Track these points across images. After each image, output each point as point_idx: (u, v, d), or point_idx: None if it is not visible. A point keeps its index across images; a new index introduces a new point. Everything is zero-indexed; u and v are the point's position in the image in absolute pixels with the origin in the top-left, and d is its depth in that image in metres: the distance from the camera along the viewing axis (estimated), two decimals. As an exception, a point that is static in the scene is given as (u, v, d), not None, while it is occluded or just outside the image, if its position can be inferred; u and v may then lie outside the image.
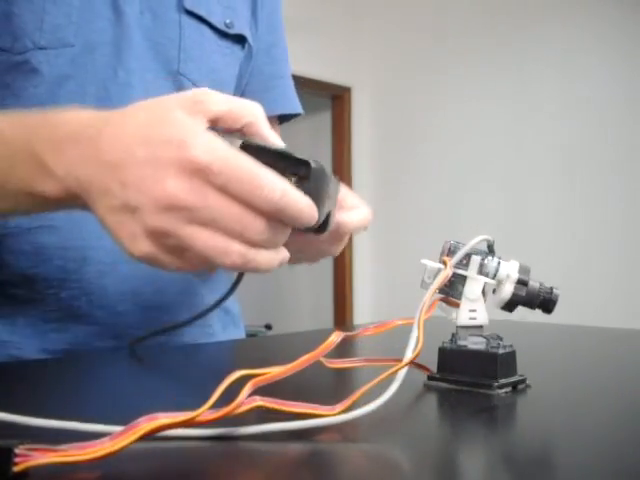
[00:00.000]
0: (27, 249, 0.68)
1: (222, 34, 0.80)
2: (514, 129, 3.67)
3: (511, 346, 0.45)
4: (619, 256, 3.25)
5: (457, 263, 0.46)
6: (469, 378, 0.44)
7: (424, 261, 0.47)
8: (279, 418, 0.34)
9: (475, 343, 0.45)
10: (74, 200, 0.45)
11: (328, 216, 0.47)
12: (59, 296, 0.68)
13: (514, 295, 0.45)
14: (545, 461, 0.30)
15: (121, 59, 0.71)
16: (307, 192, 0.42)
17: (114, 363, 0.63)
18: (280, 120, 0.91)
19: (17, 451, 0.26)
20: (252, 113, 0.45)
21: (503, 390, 0.43)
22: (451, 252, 0.47)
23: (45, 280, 0.68)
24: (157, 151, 0.40)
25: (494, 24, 3.76)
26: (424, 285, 0.46)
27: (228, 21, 0.80)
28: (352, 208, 0.57)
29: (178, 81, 0.75)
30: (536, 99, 3.58)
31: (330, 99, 4.42)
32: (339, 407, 0.35)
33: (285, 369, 0.34)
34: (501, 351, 0.43)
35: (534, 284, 0.45)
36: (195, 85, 0.76)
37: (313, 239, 0.52)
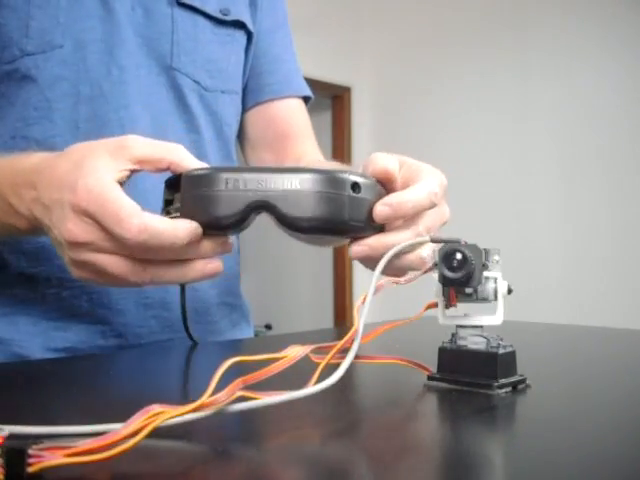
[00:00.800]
0: (28, 249, 0.68)
1: (218, 22, 0.79)
2: (514, 129, 3.67)
3: (511, 346, 0.45)
4: (619, 256, 3.25)
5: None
6: (469, 378, 0.44)
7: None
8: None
9: (475, 343, 0.45)
10: (40, 231, 0.52)
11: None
12: (60, 295, 0.68)
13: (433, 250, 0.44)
14: (545, 461, 0.30)
15: (113, 56, 0.70)
16: (193, 201, 0.46)
17: (114, 363, 0.63)
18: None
19: (30, 452, 0.26)
20: (174, 155, 0.49)
21: (503, 390, 0.43)
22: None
23: (46, 279, 0.68)
24: (63, 195, 0.47)
25: (494, 24, 3.76)
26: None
27: (223, 8, 0.79)
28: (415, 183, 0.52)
29: (172, 76, 0.75)
30: (537, 98, 3.58)
31: (330, 99, 4.42)
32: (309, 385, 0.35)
33: (270, 368, 0.35)
34: (501, 351, 0.43)
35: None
36: (190, 78, 0.76)
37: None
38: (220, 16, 0.79)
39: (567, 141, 3.46)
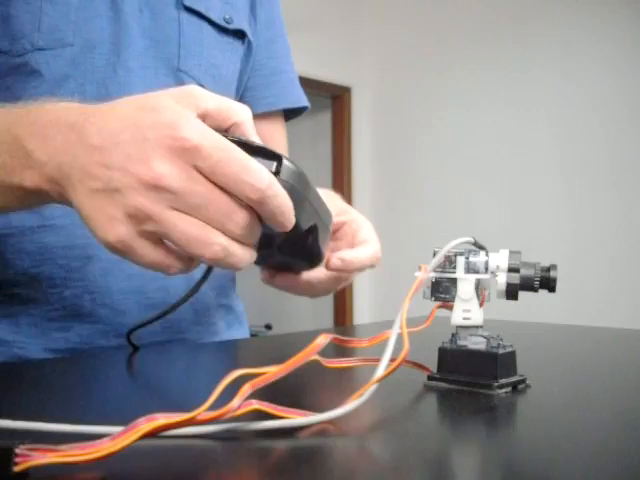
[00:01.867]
0: (31, 248, 0.68)
1: (221, 29, 0.80)
2: (515, 128, 3.67)
3: (511, 346, 0.45)
4: (620, 256, 3.25)
5: (445, 268, 0.46)
6: (469, 378, 0.44)
7: (416, 273, 0.47)
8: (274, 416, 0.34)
9: (475, 343, 0.45)
10: (52, 190, 0.44)
11: (318, 248, 0.49)
12: (62, 295, 0.68)
13: (509, 284, 0.45)
14: (545, 461, 0.30)
15: (120, 57, 0.71)
16: (285, 190, 0.42)
17: (115, 363, 0.63)
18: (288, 116, 0.91)
19: (18, 451, 0.26)
20: (240, 114, 0.45)
21: (503, 390, 0.43)
22: (447, 258, 0.47)
23: (49, 279, 0.68)
24: (146, 133, 0.40)
25: (495, 24, 3.76)
26: (425, 295, 0.48)
27: (227, 16, 0.80)
28: (361, 243, 0.58)
29: (179, 78, 0.75)
30: (538, 98, 3.58)
31: (330, 99, 4.42)
32: (331, 414, 0.35)
33: (278, 370, 0.35)
34: (501, 351, 0.43)
35: (527, 268, 0.45)
36: (196, 81, 0.76)
37: (311, 277, 0.54)
38: (223, 24, 0.80)
39: (569, 140, 3.46)
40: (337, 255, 0.56)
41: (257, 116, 0.87)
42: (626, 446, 0.32)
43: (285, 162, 0.42)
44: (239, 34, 0.82)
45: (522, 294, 0.45)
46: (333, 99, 4.43)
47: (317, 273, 0.58)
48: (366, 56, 4.41)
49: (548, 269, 0.45)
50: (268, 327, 4.32)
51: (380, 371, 0.38)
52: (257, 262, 0.50)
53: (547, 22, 3.55)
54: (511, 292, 0.45)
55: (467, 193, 3.84)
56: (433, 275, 0.47)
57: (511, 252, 0.45)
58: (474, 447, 0.33)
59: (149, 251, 0.42)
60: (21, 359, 0.67)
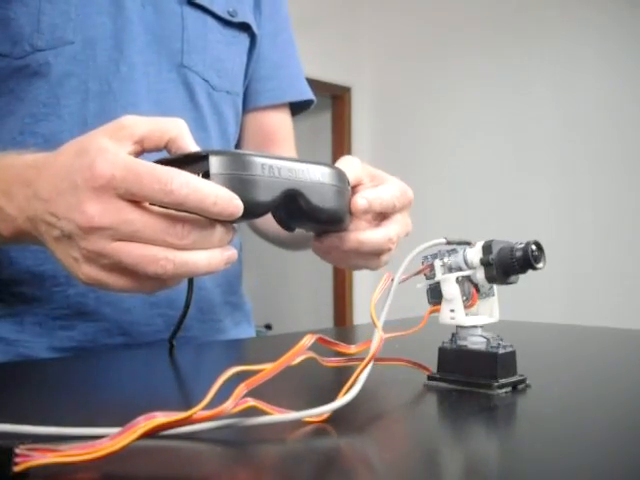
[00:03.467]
0: (34, 247, 0.67)
1: (225, 23, 0.79)
2: (514, 128, 3.67)
3: (511, 346, 0.45)
4: (620, 256, 3.25)
5: (431, 274, 0.47)
6: (469, 378, 0.44)
7: (419, 285, 0.48)
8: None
9: (475, 343, 0.45)
10: (26, 237, 0.48)
11: (321, 208, 0.49)
12: (67, 293, 0.68)
13: (488, 277, 0.45)
14: (545, 461, 0.30)
15: (123, 53, 0.70)
16: (222, 183, 0.43)
17: (117, 363, 0.63)
18: (295, 110, 0.91)
19: (18, 451, 0.26)
20: (172, 130, 0.46)
21: (503, 390, 0.43)
22: (429, 265, 0.48)
23: (52, 277, 0.68)
24: (76, 178, 0.42)
25: (494, 24, 3.75)
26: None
27: (231, 9, 0.80)
28: (384, 184, 0.56)
29: (182, 73, 0.75)
30: (538, 98, 3.58)
31: (330, 99, 4.42)
32: (326, 412, 0.35)
33: (270, 369, 0.35)
34: (501, 351, 0.43)
35: (503, 253, 0.44)
36: (200, 76, 0.76)
37: (356, 234, 0.53)
38: (227, 17, 0.80)
39: (567, 140, 3.46)
40: (360, 195, 0.52)
41: (262, 108, 0.88)
42: (626, 446, 0.32)
43: (211, 158, 0.44)
44: (244, 27, 0.82)
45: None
46: (333, 99, 4.43)
47: (359, 228, 0.55)
48: (366, 56, 4.41)
49: (526, 247, 0.44)
50: (268, 327, 4.33)
51: (364, 361, 0.39)
52: (287, 229, 0.52)
53: (547, 22, 3.55)
54: (496, 281, 0.45)
55: (467, 192, 3.84)
56: (421, 285, 0.48)
57: (484, 244, 0.45)
58: (474, 447, 0.33)
59: (117, 280, 0.44)
60: (25, 358, 0.67)
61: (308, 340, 0.37)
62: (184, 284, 0.71)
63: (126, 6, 0.71)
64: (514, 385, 0.44)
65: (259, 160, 0.45)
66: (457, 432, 0.36)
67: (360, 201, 0.52)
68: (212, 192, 0.42)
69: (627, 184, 3.25)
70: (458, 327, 0.46)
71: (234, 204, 0.43)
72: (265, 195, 0.45)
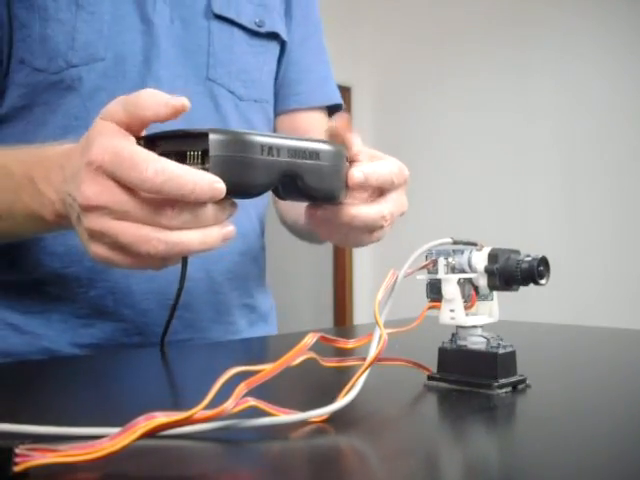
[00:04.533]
0: (60, 250, 0.71)
1: (253, 33, 0.81)
2: (515, 128, 3.67)
3: (511, 346, 0.45)
4: (620, 256, 3.25)
5: (434, 269, 0.47)
6: (469, 378, 0.44)
7: (419, 277, 0.48)
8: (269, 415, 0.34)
9: (475, 343, 0.45)
10: (65, 221, 0.51)
11: (318, 187, 0.49)
12: (88, 294, 0.71)
13: (491, 285, 0.45)
14: (545, 461, 0.30)
15: (150, 68, 0.73)
16: (219, 164, 0.44)
17: (116, 363, 0.63)
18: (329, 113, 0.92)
19: (17, 451, 0.26)
20: (149, 110, 0.46)
21: (503, 390, 0.43)
22: (432, 260, 0.48)
23: (76, 279, 0.71)
24: (79, 163, 0.46)
25: (495, 24, 3.75)
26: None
27: (258, 20, 0.81)
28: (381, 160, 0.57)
29: (208, 86, 0.77)
30: (538, 98, 3.58)
31: (330, 99, 4.42)
32: (326, 413, 0.35)
33: (270, 369, 0.35)
34: (501, 351, 0.43)
35: (508, 263, 0.44)
36: (225, 88, 0.78)
37: (350, 208, 0.54)
38: (255, 28, 0.81)
39: (568, 140, 3.46)
40: (357, 168, 0.53)
41: (291, 111, 0.88)
42: (626, 446, 0.32)
43: (211, 137, 0.44)
44: (272, 36, 0.83)
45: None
46: (333, 99, 4.42)
47: (354, 202, 0.55)
48: (366, 56, 4.41)
49: (532, 261, 0.44)
50: (268, 327, 4.32)
51: (366, 362, 0.39)
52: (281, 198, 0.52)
53: (548, 21, 3.55)
54: (497, 289, 0.45)
55: (467, 192, 3.84)
56: (423, 277, 0.48)
57: (491, 251, 0.45)
58: (474, 447, 0.33)
59: (121, 258, 0.46)
60: (49, 352, 0.70)
61: (310, 339, 0.37)
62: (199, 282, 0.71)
63: (154, 23, 0.73)
64: (514, 385, 0.44)
65: (259, 141, 0.45)
66: (457, 432, 0.36)
67: (357, 174, 0.52)
68: (190, 179, 0.43)
69: (628, 184, 3.25)
70: (458, 327, 0.46)
71: (214, 187, 0.43)
72: (262, 177, 0.46)
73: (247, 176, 0.45)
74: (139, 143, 0.46)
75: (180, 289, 0.64)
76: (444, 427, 0.38)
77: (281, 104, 0.88)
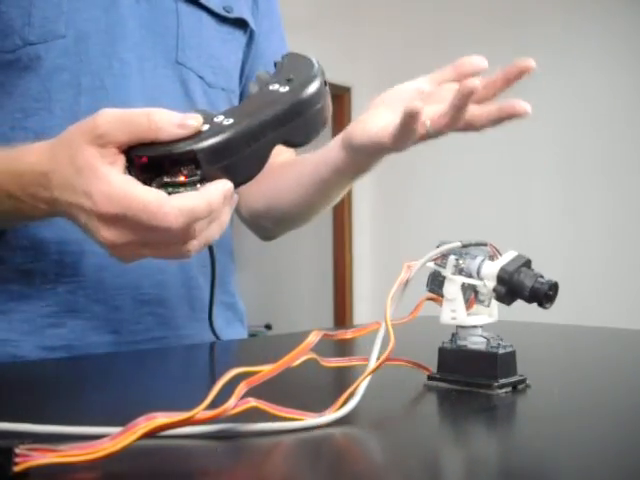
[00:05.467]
0: (25, 244, 0.67)
1: (221, 19, 0.79)
2: (515, 128, 3.66)
3: (511, 346, 0.45)
4: (619, 256, 3.25)
5: (442, 263, 0.46)
6: (469, 378, 0.44)
7: (429, 264, 0.47)
8: (274, 418, 0.34)
9: (475, 343, 0.45)
10: (62, 214, 0.51)
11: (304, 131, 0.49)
12: (56, 290, 0.67)
13: (497, 295, 0.45)
14: (545, 461, 0.30)
15: (116, 49, 0.70)
16: (214, 175, 0.45)
17: (113, 364, 0.63)
18: None
19: (18, 451, 0.26)
20: (149, 132, 0.46)
21: (503, 390, 0.43)
22: (443, 255, 0.47)
23: (42, 275, 0.67)
24: (83, 203, 0.47)
25: (494, 24, 3.75)
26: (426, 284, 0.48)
27: (227, 5, 0.79)
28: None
29: (177, 70, 0.75)
30: (538, 98, 3.57)
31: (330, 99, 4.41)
32: (327, 413, 0.35)
33: (273, 368, 0.35)
34: (501, 351, 0.43)
35: (519, 279, 0.43)
36: (195, 73, 0.76)
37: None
38: (223, 13, 0.79)
39: (568, 140, 3.46)
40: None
41: None
42: (626, 445, 0.32)
43: (199, 155, 0.45)
44: (240, 23, 0.81)
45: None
46: (333, 99, 4.41)
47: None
48: (366, 56, 4.41)
49: (544, 282, 0.43)
50: (268, 327, 4.32)
51: (370, 367, 0.38)
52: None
53: (548, 22, 3.55)
54: (501, 300, 0.45)
55: (467, 192, 3.84)
56: (430, 265, 0.47)
57: (509, 262, 0.45)
58: (474, 447, 0.33)
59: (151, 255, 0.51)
60: (15, 358, 0.66)
61: (314, 337, 0.37)
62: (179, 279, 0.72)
63: (120, 1, 0.70)
64: (514, 385, 0.44)
65: (244, 137, 0.45)
66: (457, 432, 0.36)
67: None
68: (205, 204, 0.45)
69: (628, 184, 3.25)
70: (458, 327, 0.46)
71: (227, 197, 0.46)
72: (256, 165, 0.47)
73: (242, 172, 0.46)
74: (129, 156, 0.46)
75: (213, 263, 0.67)
76: (444, 427, 0.38)
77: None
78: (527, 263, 0.45)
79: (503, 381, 0.43)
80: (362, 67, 4.42)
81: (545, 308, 0.43)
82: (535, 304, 0.44)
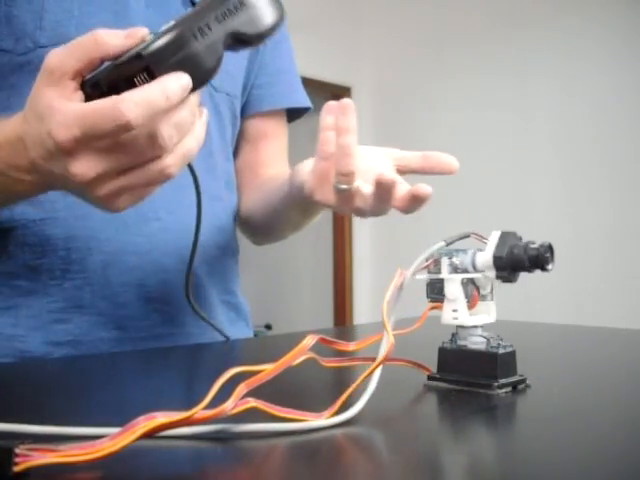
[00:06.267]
0: (33, 241, 0.68)
1: None
2: (514, 128, 3.67)
3: (511, 346, 0.45)
4: (619, 256, 3.25)
5: (431, 270, 0.47)
6: (469, 378, 0.44)
7: (418, 276, 0.47)
8: (274, 418, 0.34)
9: (475, 343, 0.45)
10: (48, 185, 0.50)
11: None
12: (62, 287, 0.69)
13: (500, 277, 0.45)
14: (545, 461, 0.30)
15: None
16: (168, 72, 0.44)
17: (115, 363, 0.63)
18: (290, 117, 0.92)
19: (18, 451, 0.26)
20: (97, 51, 0.46)
21: (503, 390, 0.43)
22: (435, 260, 0.47)
23: (49, 271, 0.69)
24: (49, 147, 0.45)
25: (495, 24, 3.75)
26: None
27: None
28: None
29: None
30: (537, 98, 3.58)
31: (330, 99, 4.41)
32: (327, 414, 0.35)
33: (270, 370, 0.35)
34: (501, 351, 0.43)
35: (515, 251, 0.44)
36: None
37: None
38: None
39: (567, 141, 3.46)
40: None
41: (261, 114, 0.88)
42: (626, 446, 0.32)
43: (145, 55, 0.44)
44: None
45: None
46: (333, 99, 4.41)
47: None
48: (366, 56, 4.41)
49: (539, 250, 0.43)
50: (268, 327, 4.33)
51: (370, 368, 0.39)
52: None
53: (548, 23, 3.55)
54: (503, 277, 0.45)
55: (467, 192, 3.84)
56: (423, 277, 0.47)
57: (496, 249, 0.45)
58: (474, 447, 0.33)
59: (139, 193, 0.48)
60: (22, 353, 0.67)
61: (309, 341, 0.37)
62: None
63: (130, 6, 0.72)
64: (514, 385, 0.44)
65: (188, 31, 0.45)
66: (457, 432, 0.36)
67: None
68: (159, 91, 0.43)
69: (628, 184, 3.25)
70: (458, 327, 0.46)
71: (182, 83, 0.44)
72: (210, 58, 0.46)
73: (198, 66, 0.45)
74: (85, 89, 0.46)
75: (195, 241, 0.66)
76: (444, 427, 0.38)
77: (254, 106, 0.88)
78: (514, 236, 0.45)
79: (503, 381, 0.43)
80: (362, 67, 4.42)
81: (547, 271, 0.44)
82: (538, 271, 0.44)
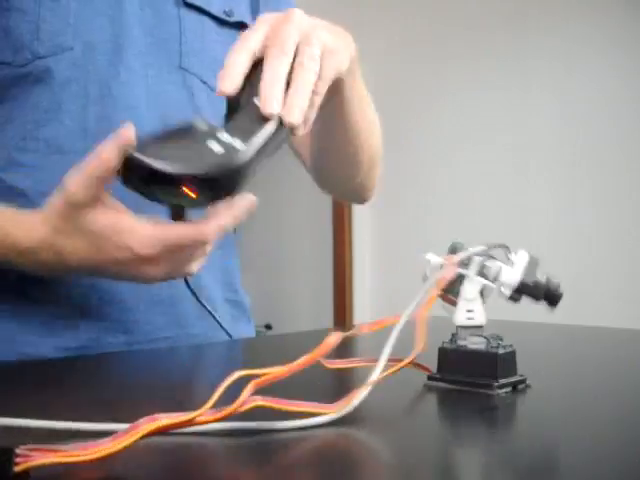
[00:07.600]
0: None
1: (222, 23, 0.80)
2: (515, 128, 3.67)
3: (511, 346, 0.45)
4: (620, 257, 3.25)
5: (459, 262, 0.46)
6: (469, 378, 0.44)
7: (429, 256, 0.46)
8: (279, 417, 0.34)
9: (475, 343, 0.45)
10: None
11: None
12: (70, 294, 0.69)
13: (512, 298, 0.45)
14: (545, 461, 0.30)
15: (122, 57, 0.71)
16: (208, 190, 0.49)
17: (119, 363, 0.63)
18: None
19: (18, 451, 0.26)
20: (102, 170, 0.51)
21: (503, 390, 0.43)
22: (455, 252, 0.47)
23: (58, 278, 0.69)
24: (115, 256, 0.55)
25: (495, 25, 3.75)
26: (425, 279, 0.46)
27: (227, 9, 0.80)
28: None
29: (182, 75, 0.76)
30: (538, 98, 3.58)
31: (330, 99, 4.41)
32: (337, 406, 0.35)
33: (285, 370, 0.35)
34: (501, 351, 0.43)
35: (534, 286, 0.44)
36: (198, 78, 0.77)
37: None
38: (224, 17, 0.80)
39: (568, 141, 3.46)
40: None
41: None
42: (626, 446, 0.32)
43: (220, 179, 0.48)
44: (240, 26, 0.82)
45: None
46: (333, 99, 4.41)
47: None
48: (366, 55, 4.40)
49: (556, 288, 0.45)
50: (268, 327, 4.32)
51: (375, 374, 0.38)
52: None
53: (548, 23, 3.55)
54: (513, 300, 0.45)
55: (467, 191, 3.84)
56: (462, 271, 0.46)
57: (525, 276, 0.44)
58: (474, 447, 0.33)
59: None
60: (31, 357, 0.67)
61: (334, 339, 0.37)
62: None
63: (125, 9, 0.72)
64: (514, 385, 0.44)
65: (254, 164, 0.48)
66: (457, 432, 0.36)
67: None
68: (232, 220, 0.53)
69: (628, 184, 3.25)
70: (458, 327, 0.46)
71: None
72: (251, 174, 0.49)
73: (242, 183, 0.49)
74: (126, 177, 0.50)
75: None
76: (444, 427, 0.38)
77: None
78: (537, 263, 0.45)
79: (503, 381, 0.43)
80: (362, 67, 4.41)
81: (554, 307, 0.45)
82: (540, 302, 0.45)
